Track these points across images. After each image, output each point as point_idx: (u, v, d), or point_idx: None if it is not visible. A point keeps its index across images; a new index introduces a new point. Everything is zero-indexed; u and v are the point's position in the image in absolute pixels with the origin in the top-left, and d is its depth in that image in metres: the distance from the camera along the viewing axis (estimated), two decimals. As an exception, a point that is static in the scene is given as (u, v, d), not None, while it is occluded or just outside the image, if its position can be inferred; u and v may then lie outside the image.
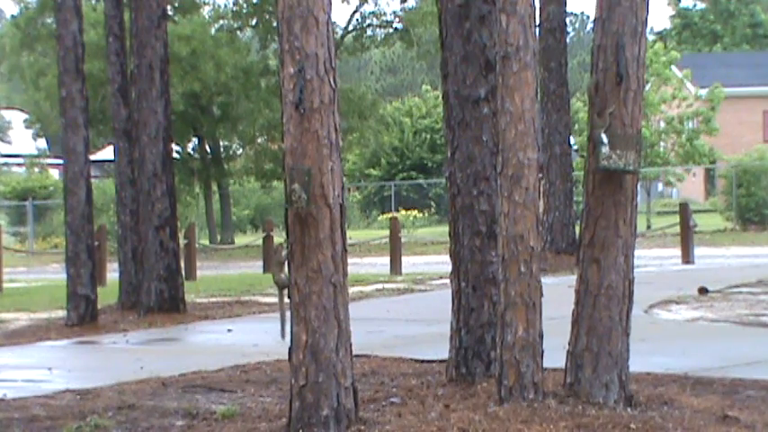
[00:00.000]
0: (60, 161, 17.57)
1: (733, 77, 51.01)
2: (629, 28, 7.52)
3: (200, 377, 9.87)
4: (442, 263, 20.75)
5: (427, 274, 22.31)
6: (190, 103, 39.35)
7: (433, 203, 51.17)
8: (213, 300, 18.37)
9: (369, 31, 44.13)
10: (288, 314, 7.27)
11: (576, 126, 39.75)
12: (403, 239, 26.13)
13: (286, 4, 7.00)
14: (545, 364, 7.51)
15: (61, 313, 16.15)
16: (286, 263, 7.21)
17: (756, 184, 35.91)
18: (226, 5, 42.94)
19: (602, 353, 7.47)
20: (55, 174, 57.02)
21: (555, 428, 6.79)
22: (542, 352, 7.47)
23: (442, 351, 9.14)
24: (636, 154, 7.47)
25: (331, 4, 7.10)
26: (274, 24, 38.99)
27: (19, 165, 65.79)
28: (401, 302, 16.90)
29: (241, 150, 44.62)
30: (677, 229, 24.85)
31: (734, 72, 52.92)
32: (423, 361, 10.09)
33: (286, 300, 7.31)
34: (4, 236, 29.57)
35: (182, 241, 20.28)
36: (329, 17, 7.07)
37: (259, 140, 42.71)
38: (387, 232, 26.27)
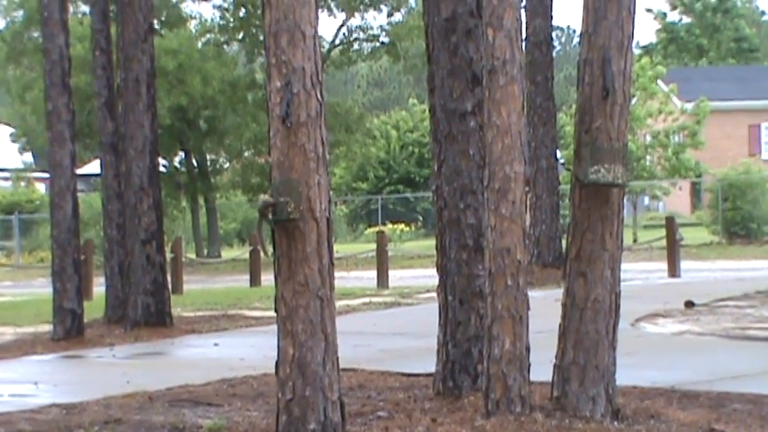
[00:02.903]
0: (46, 175, 17.53)
1: (719, 91, 51.17)
2: (615, 42, 7.54)
3: (187, 391, 9.85)
4: (428, 276, 20.76)
5: (414, 287, 22.30)
6: (177, 116, 39.35)
7: (420, 217, 51.20)
8: (200, 314, 18.33)
9: (355, 45, 44.18)
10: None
11: (563, 140, 39.82)
12: (390, 253, 26.11)
13: (273, 18, 7.01)
14: (532, 378, 7.52)
15: (47, 327, 16.10)
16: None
17: (742, 197, 35.98)
18: (213, 19, 42.98)
19: (588, 366, 7.47)
20: (41, 188, 56.90)
21: (542, 442, 6.79)
22: (529, 365, 7.47)
23: (429, 365, 9.14)
24: (623, 167, 7.50)
25: (318, 18, 7.10)
26: (261, 38, 38.99)
27: (5, 179, 65.62)
28: (388, 316, 16.89)
29: (228, 164, 44.62)
30: (663, 242, 24.88)
31: (719, 86, 53.09)
32: (410, 375, 10.08)
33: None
34: (-10, 250, 29.52)
35: (168, 255, 20.24)
36: (316, 31, 7.07)
37: (246, 154, 42.72)
38: (374, 246, 26.26)
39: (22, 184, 60.23)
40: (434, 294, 9.29)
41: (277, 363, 7.07)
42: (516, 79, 7.54)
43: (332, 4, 41.43)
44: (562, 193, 25.00)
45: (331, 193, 7.25)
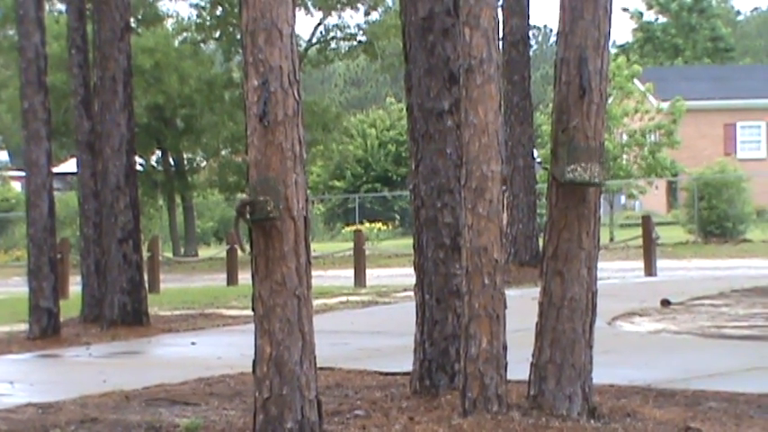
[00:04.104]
0: (22, 173, 17.48)
1: (694, 91, 51.29)
2: (591, 41, 7.56)
3: (164, 390, 9.83)
4: (406, 275, 20.73)
5: (391, 286, 22.30)
6: (153, 115, 39.23)
7: (397, 216, 51.17)
8: (177, 313, 18.29)
9: (332, 44, 44.15)
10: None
11: (540, 139, 39.88)
12: (367, 252, 26.10)
13: (250, 17, 7.01)
14: (509, 377, 7.53)
15: (23, 326, 16.04)
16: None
17: (717, 196, 36.10)
18: (189, 18, 42.88)
19: (565, 365, 7.49)
20: (17, 186, 56.65)
21: (519, 440, 6.81)
22: (506, 364, 7.49)
23: (407, 363, 9.14)
24: (600, 166, 7.52)
25: (295, 16, 7.10)
26: (238, 37, 38.78)
27: (-20, 177, 65.30)
28: (365, 315, 16.90)
29: (205, 163, 44.52)
30: (640, 241, 24.94)
31: (695, 85, 53.22)
32: (387, 373, 10.08)
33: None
34: (-34, 249, 29.36)
35: (145, 254, 20.19)
36: (293, 30, 7.07)
37: (223, 153, 42.63)
38: (351, 245, 26.25)
39: (-2, 182, 59.97)
40: (411, 293, 9.30)
41: (254, 361, 7.06)
42: (493, 78, 7.55)
43: (309, 3, 41.38)
44: (539, 192, 25.03)
45: (308, 191, 7.25)
